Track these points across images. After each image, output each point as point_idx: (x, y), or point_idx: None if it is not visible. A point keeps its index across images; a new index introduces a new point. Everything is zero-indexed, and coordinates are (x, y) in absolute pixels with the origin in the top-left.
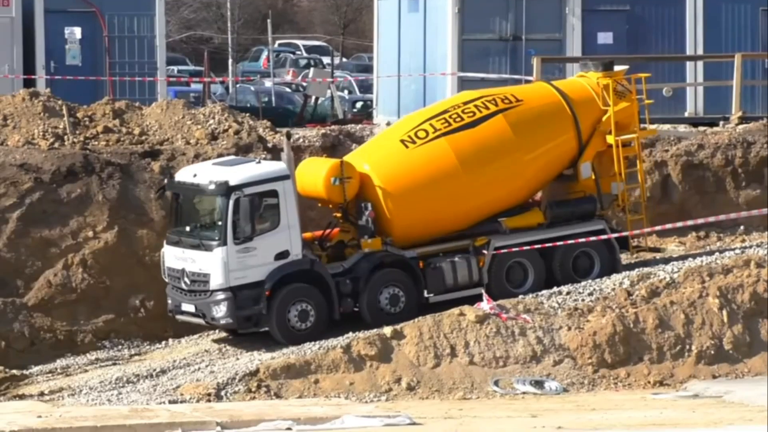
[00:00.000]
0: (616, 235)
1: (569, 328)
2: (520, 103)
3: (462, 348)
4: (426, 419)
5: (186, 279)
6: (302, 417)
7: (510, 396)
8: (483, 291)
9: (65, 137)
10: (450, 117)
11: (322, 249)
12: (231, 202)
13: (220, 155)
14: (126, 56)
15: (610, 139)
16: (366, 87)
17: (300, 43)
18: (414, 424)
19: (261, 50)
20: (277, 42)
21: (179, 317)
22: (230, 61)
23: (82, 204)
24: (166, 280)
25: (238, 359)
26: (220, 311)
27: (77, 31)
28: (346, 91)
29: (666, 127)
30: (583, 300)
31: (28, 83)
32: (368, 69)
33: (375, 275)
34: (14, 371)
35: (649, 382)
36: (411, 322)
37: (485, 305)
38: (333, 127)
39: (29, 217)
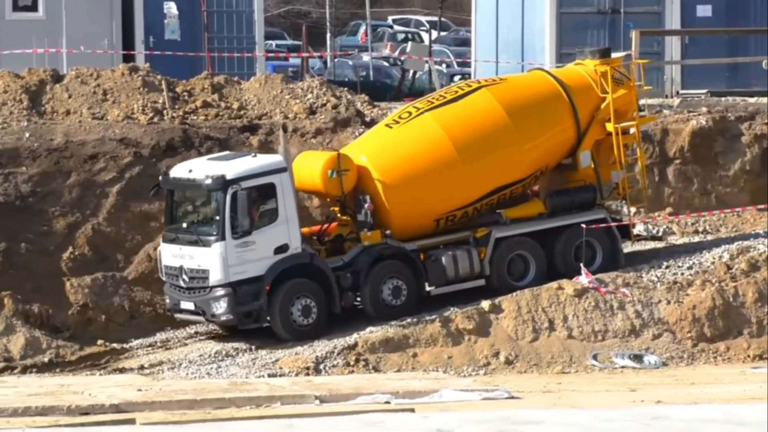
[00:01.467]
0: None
1: (668, 302)
2: (503, 81)
3: (560, 322)
4: (524, 393)
5: (184, 276)
6: (400, 391)
7: (609, 370)
8: (582, 265)
9: (164, 112)
10: (432, 98)
11: (320, 244)
12: (228, 197)
13: (318, 130)
14: (224, 31)
15: (609, 126)
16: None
17: (423, 18)
18: (512, 398)
19: (359, 24)
20: (390, 17)
21: (178, 315)
22: (328, 35)
23: None
24: (164, 278)
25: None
26: (220, 307)
27: (176, 6)
28: (444, 65)
29: (765, 100)
30: (682, 274)
31: (128, 58)
32: (466, 43)
33: (375, 268)
34: (114, 345)
35: (748, 356)
36: (509, 296)
37: (584, 279)
38: None
39: (129, 192)
